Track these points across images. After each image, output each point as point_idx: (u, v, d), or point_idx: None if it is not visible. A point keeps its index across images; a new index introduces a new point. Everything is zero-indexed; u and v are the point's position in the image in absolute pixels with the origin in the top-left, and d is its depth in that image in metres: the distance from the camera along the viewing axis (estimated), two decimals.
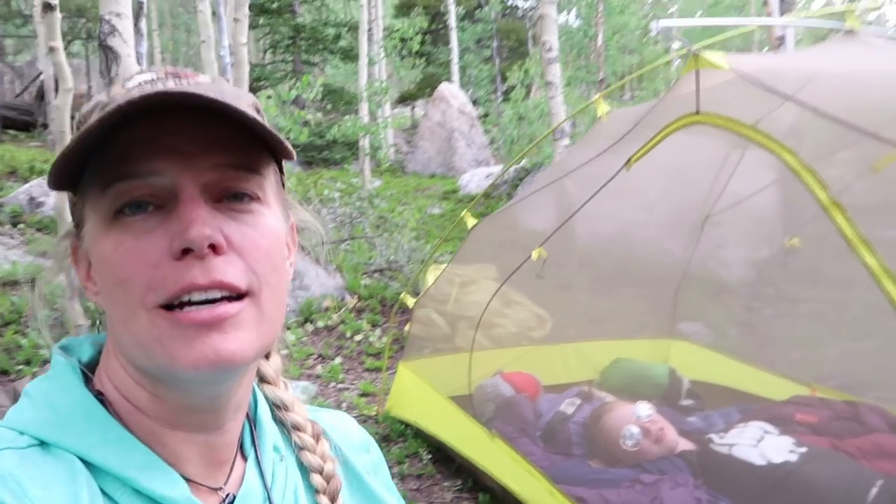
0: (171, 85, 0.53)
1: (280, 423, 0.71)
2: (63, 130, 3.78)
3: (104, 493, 0.53)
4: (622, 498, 2.18)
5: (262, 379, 0.70)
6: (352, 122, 9.49)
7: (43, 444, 0.53)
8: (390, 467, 3.18)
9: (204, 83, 0.55)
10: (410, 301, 3.82)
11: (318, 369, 4.60)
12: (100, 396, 0.57)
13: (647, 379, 3.68)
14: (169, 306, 0.51)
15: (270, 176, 0.58)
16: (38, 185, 7.09)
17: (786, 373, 3.49)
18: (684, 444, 2.57)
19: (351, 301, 5.69)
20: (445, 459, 3.26)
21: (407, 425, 3.53)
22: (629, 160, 2.29)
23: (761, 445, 2.33)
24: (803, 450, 2.32)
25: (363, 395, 4.23)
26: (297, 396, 0.75)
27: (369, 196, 7.78)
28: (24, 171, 8.42)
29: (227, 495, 0.61)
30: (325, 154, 13.70)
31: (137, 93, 0.50)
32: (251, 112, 0.54)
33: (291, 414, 0.71)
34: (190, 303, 0.51)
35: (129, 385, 0.57)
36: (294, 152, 0.57)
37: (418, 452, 3.33)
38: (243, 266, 0.53)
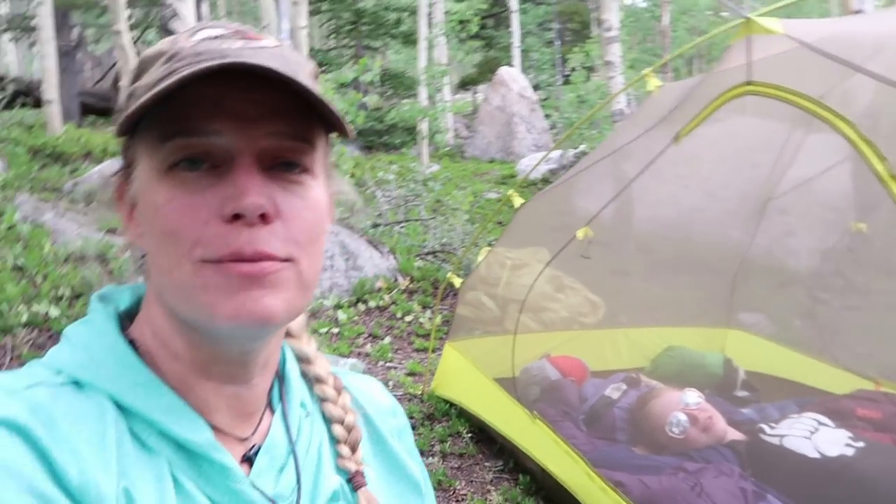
0: (238, 46, 0.54)
1: (305, 378, 0.73)
2: None
3: (133, 433, 0.55)
4: (662, 484, 2.11)
5: (288, 333, 0.72)
6: (410, 105, 9.51)
7: (77, 383, 0.55)
8: (433, 446, 3.22)
9: (268, 48, 0.56)
10: (457, 281, 3.80)
11: (368, 348, 4.65)
12: (133, 343, 0.60)
13: (700, 367, 3.57)
14: (214, 261, 0.53)
15: (320, 147, 0.59)
16: (110, 166, 7.40)
17: (850, 367, 3.32)
18: (733, 434, 2.48)
19: (403, 282, 5.72)
20: (487, 440, 3.25)
21: (451, 405, 3.53)
22: (678, 134, 2.19)
23: (815, 437, 2.21)
24: (861, 444, 2.20)
25: (410, 374, 4.25)
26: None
27: (424, 179, 7.79)
28: (99, 153, 8.79)
29: (253, 446, 0.62)
30: (384, 139, 13.80)
31: (204, 48, 0.54)
32: (310, 80, 0.55)
33: (314, 367, 0.73)
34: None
35: (167, 331, 0.59)
36: (351, 128, 0.58)
37: (461, 432, 3.33)
38: (286, 236, 0.55)
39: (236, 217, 0.52)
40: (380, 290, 5.55)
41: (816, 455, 2.13)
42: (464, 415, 3.43)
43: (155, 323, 0.60)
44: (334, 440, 0.70)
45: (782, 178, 3.74)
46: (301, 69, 0.56)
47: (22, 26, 14.68)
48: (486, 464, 3.09)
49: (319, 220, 0.59)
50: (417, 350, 4.69)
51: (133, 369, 0.57)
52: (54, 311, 4.40)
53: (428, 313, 5.24)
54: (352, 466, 0.69)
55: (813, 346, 3.62)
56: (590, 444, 2.61)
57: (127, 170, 0.59)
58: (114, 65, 15.97)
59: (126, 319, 0.63)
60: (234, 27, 0.58)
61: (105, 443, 0.52)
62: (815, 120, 3.31)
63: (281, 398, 0.67)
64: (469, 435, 3.29)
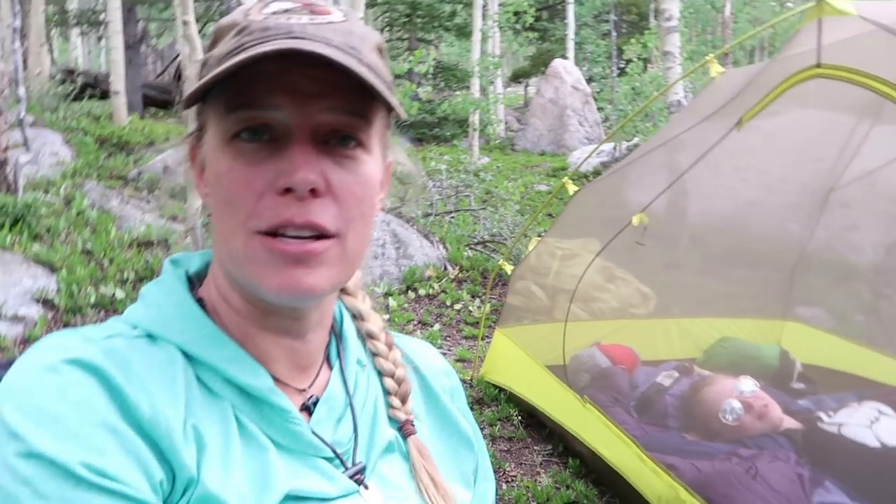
0: (305, 20, 0.57)
1: (359, 334, 0.76)
2: None
3: (200, 380, 0.60)
4: (716, 468, 2.10)
5: (343, 290, 0.76)
6: (463, 97, 9.53)
7: (150, 336, 0.61)
8: (482, 429, 3.26)
9: (336, 23, 0.58)
10: (508, 268, 3.82)
11: (417, 334, 4.71)
12: (201, 301, 0.65)
13: (755, 359, 3.50)
14: (265, 233, 0.57)
15: (378, 120, 0.61)
16: (172, 156, 7.66)
17: None
18: (789, 423, 2.44)
19: (453, 271, 5.77)
20: (537, 424, 3.27)
21: (500, 390, 3.56)
22: (741, 119, 2.16)
23: (875, 427, 2.16)
24: None
25: (459, 360, 4.30)
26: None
27: (475, 170, 7.81)
28: (161, 143, 9.09)
29: (311, 396, 0.67)
30: (435, 131, 13.87)
31: (272, 23, 0.56)
32: (373, 55, 0.59)
33: (367, 323, 0.76)
34: (285, 235, 0.57)
35: (226, 288, 0.64)
36: (403, 109, 0.60)
37: (510, 416, 3.36)
38: (336, 210, 0.58)
39: (288, 190, 0.56)
40: (429, 278, 5.61)
41: (877, 444, 2.08)
42: (513, 400, 3.45)
43: (218, 280, 0.65)
44: (386, 392, 0.73)
45: (845, 172, 3.63)
46: (365, 44, 0.58)
47: (91, 21, 15.27)
48: (536, 447, 3.11)
49: (370, 195, 0.61)
50: (466, 337, 4.73)
51: (199, 323, 0.62)
52: (120, 293, 4.60)
53: (477, 302, 5.28)
54: (402, 416, 0.72)
55: (875, 339, 3.52)
56: (640, 429, 2.60)
57: (199, 132, 0.63)
58: (175, 58, 16.44)
59: (196, 281, 0.68)
60: (304, 0, 0.60)
61: (175, 386, 0.57)
62: (881, 111, 3.26)
63: (339, 355, 0.71)
64: (518, 419, 3.32)
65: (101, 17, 13.50)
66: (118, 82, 8.87)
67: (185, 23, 3.80)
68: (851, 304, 3.97)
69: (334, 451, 0.64)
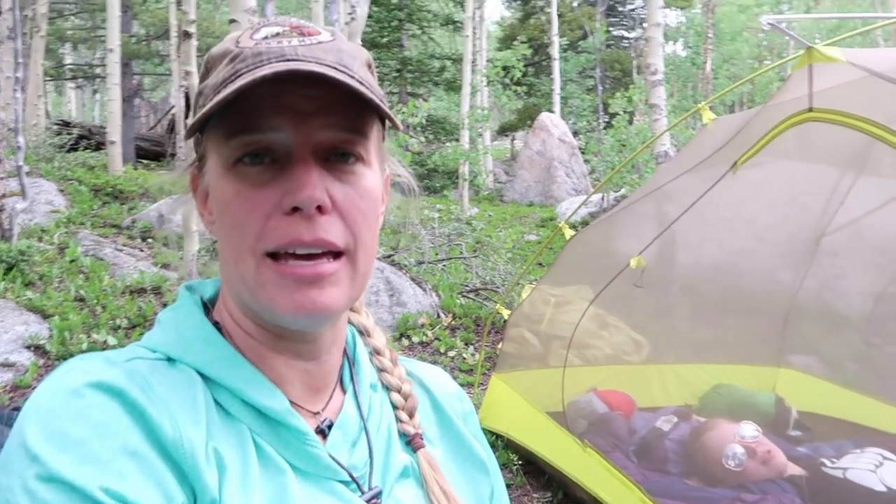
0: (295, 43, 0.59)
1: (371, 360, 0.77)
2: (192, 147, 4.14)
3: (217, 402, 0.61)
4: None
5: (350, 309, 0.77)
6: (453, 148, 9.70)
7: (170, 359, 0.62)
8: None
9: (325, 42, 0.60)
10: (506, 312, 3.84)
11: None
12: (217, 325, 0.66)
13: (751, 406, 3.50)
14: (275, 255, 0.58)
15: (374, 134, 0.63)
16: (167, 204, 7.69)
17: None
18: (793, 469, 2.44)
19: (445, 319, 5.76)
20: (535, 471, 3.24)
21: (498, 436, 3.53)
22: (735, 163, 2.23)
23: (880, 471, 2.17)
24: None
25: None
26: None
27: (467, 219, 7.89)
28: (155, 192, 9.14)
29: (325, 419, 0.67)
30: (425, 182, 14.05)
31: (264, 48, 0.58)
32: (363, 70, 0.61)
33: (372, 340, 0.77)
34: (295, 255, 0.58)
35: (238, 314, 0.65)
36: (399, 123, 0.63)
37: (509, 463, 3.32)
38: (343, 226, 0.59)
39: (295, 210, 0.57)
40: (423, 326, 5.61)
41: (883, 489, 2.09)
42: (511, 446, 3.42)
43: (229, 304, 0.66)
44: (394, 407, 0.74)
45: (831, 222, 3.72)
46: (355, 61, 0.60)
47: (87, 74, 15.49)
48: (535, 494, 3.07)
49: (374, 207, 0.63)
50: (461, 385, 4.68)
51: (216, 345, 0.63)
52: (112, 340, 4.56)
53: (471, 349, 5.27)
54: (410, 430, 0.72)
55: (868, 386, 3.54)
56: (642, 475, 2.59)
57: (200, 162, 0.65)
58: (169, 111, 16.64)
59: (210, 306, 0.68)
60: (293, 23, 0.61)
61: (196, 407, 0.57)
62: (865, 162, 3.37)
63: (352, 378, 0.71)
64: (518, 465, 3.28)
65: (98, 70, 13.72)
66: (114, 133, 8.97)
67: (188, 73, 3.89)
68: (843, 351, 4.00)
69: (351, 475, 0.64)
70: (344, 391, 0.71)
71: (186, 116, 4.15)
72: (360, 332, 0.77)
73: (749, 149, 2.17)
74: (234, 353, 0.63)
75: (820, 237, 3.81)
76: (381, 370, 0.76)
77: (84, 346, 4.36)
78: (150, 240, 7.05)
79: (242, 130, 0.58)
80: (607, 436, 2.95)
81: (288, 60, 0.56)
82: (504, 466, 3.32)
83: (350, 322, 0.76)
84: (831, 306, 4.07)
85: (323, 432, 0.66)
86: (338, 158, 0.60)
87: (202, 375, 0.61)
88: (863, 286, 3.97)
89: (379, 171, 0.66)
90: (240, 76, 0.56)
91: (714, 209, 3.14)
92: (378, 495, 0.65)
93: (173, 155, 13.27)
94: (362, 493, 0.64)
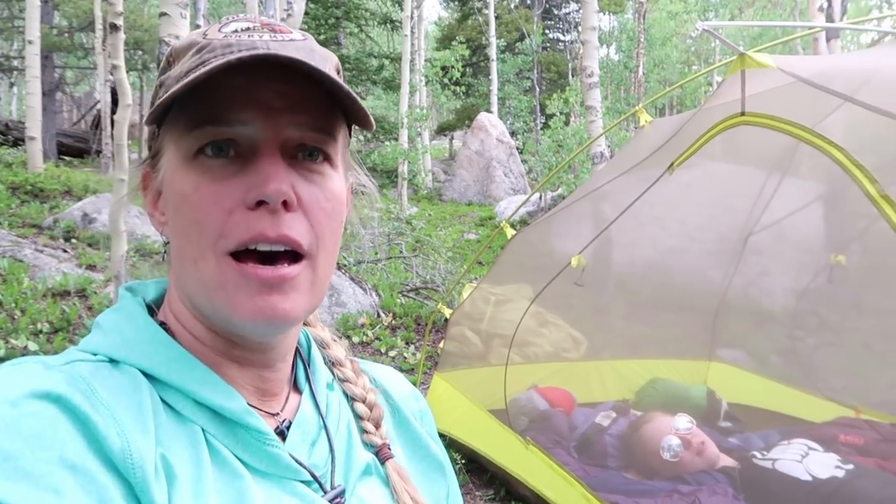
0: (266, 38, 0.56)
1: (327, 363, 0.74)
2: (121, 143, 3.95)
3: (167, 404, 0.57)
4: None
5: (304, 322, 0.74)
6: (392, 147, 9.66)
7: (112, 361, 0.57)
8: None
9: (297, 41, 0.58)
10: (447, 311, 3.84)
11: None
12: (164, 325, 0.62)
13: (684, 399, 3.62)
14: (236, 255, 0.55)
15: (341, 138, 0.61)
16: (91, 203, 7.36)
17: (830, 397, 3.41)
18: (725, 460, 2.52)
19: (386, 318, 5.73)
20: (478, 469, 3.24)
21: (441, 435, 3.52)
22: (671, 164, 2.29)
23: (806, 461, 2.27)
24: (850, 466, 2.25)
25: None
26: None
27: (407, 218, 7.87)
28: (79, 191, 8.75)
29: (284, 420, 0.64)
30: None
31: (234, 40, 0.55)
32: (333, 74, 0.58)
33: (331, 351, 0.75)
34: (257, 256, 0.55)
35: (189, 318, 0.61)
36: (373, 122, 0.61)
37: (452, 461, 3.31)
38: (307, 225, 0.57)
39: (259, 204, 0.54)
40: (363, 325, 5.56)
41: (808, 478, 2.18)
42: (454, 445, 3.42)
43: (177, 308, 0.62)
44: (359, 418, 0.72)
45: (758, 222, 3.88)
46: (326, 62, 0.58)
47: (3, 67, 14.67)
48: (478, 493, 3.08)
49: (338, 210, 0.61)
50: None
51: (165, 345, 0.59)
52: (33, 346, 4.32)
53: (412, 349, 5.25)
54: (377, 441, 0.70)
55: (792, 377, 3.71)
56: (582, 470, 2.63)
57: (153, 159, 0.61)
58: (93, 106, 15.96)
59: (154, 308, 0.65)
60: (263, 20, 0.59)
61: (143, 411, 0.53)
62: (790, 165, 3.53)
63: (308, 379, 0.69)
64: (460, 464, 3.28)
65: (16, 62, 13.02)
66: (34, 128, 8.52)
67: (115, 67, 3.71)
68: (769, 345, 4.18)
69: (312, 475, 0.62)
70: (299, 392, 0.69)
71: (113, 112, 3.96)
72: (319, 345, 0.75)
73: (684, 151, 2.23)
74: (184, 353, 0.59)
75: (747, 237, 3.97)
76: (343, 381, 0.73)
77: (1, 351, 4.12)
78: (73, 240, 6.73)
79: (208, 121, 0.55)
80: (548, 432, 2.99)
81: (261, 51, 0.53)
82: None
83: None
84: (757, 302, 4.25)
85: (282, 434, 0.63)
86: (305, 157, 0.58)
87: (149, 377, 0.57)
88: (786, 283, 4.16)
89: (344, 177, 0.64)
90: (207, 64, 0.53)
91: (648, 209, 3.22)
92: (341, 494, 0.63)
93: (98, 152, 12.71)
94: (325, 492, 0.62)
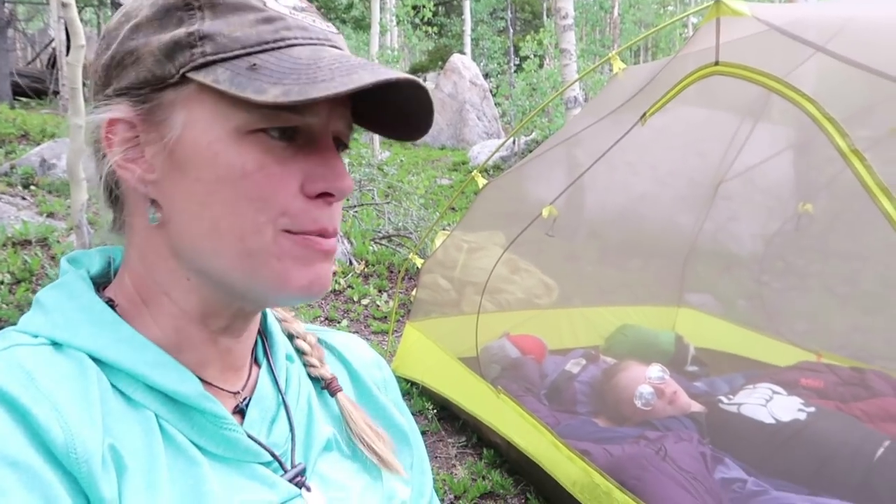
0: (323, 27, 0.58)
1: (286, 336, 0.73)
2: (75, 87, 3.76)
3: (116, 389, 0.54)
4: (626, 452, 2.19)
5: None
6: None
7: (55, 344, 0.53)
8: None
9: (341, 37, 0.60)
10: (419, 261, 3.82)
11: None
12: (110, 303, 0.58)
13: (653, 345, 3.68)
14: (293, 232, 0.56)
15: None
16: (50, 148, 7.10)
17: (793, 341, 3.49)
18: (695, 407, 2.58)
19: (358, 266, 5.70)
20: (450, 417, 3.29)
21: (413, 384, 3.55)
22: (644, 114, 2.25)
23: (770, 405, 2.33)
24: (812, 409, 2.32)
25: None
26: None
27: (379, 164, 7.75)
28: (37, 135, 8.42)
29: (244, 399, 0.63)
30: None
31: (308, 24, 0.56)
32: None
33: (289, 325, 0.74)
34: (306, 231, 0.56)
35: (168, 287, 0.58)
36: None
37: (424, 410, 3.35)
38: (338, 214, 0.59)
39: (321, 195, 0.56)
40: (335, 274, 5.52)
41: (772, 421, 2.24)
42: (426, 393, 3.45)
43: (143, 281, 0.58)
44: (301, 353, 0.72)
45: (731, 167, 3.88)
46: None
47: None
48: (450, 440, 3.12)
49: None
50: (375, 332, 4.68)
51: (112, 326, 0.55)
52: None
53: (384, 297, 5.24)
54: (326, 374, 0.71)
55: (758, 322, 3.79)
56: (552, 417, 2.67)
57: (149, 112, 0.55)
58: (48, 43, 15.25)
59: (100, 281, 0.61)
60: (307, 4, 0.59)
61: (89, 399, 0.50)
62: (763, 111, 3.51)
63: (265, 353, 0.68)
64: (433, 412, 3.32)
65: None
66: None
67: (65, 4, 3.50)
68: (736, 290, 4.27)
69: (273, 455, 0.60)
70: (259, 366, 0.67)
71: (68, 52, 3.77)
72: (278, 319, 0.73)
73: (657, 101, 2.19)
74: (133, 334, 0.56)
75: (719, 184, 3.98)
76: (301, 353, 0.72)
77: None
78: (32, 187, 6.51)
79: (283, 106, 0.52)
80: (520, 380, 3.02)
81: (333, 47, 0.56)
82: (419, 413, 3.36)
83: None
84: (726, 247, 4.31)
85: (242, 412, 0.61)
86: (339, 148, 0.59)
87: (95, 361, 0.53)
88: (754, 229, 4.22)
89: None
90: (291, 47, 0.54)
91: (620, 154, 3.19)
92: (302, 472, 0.62)
93: (56, 92, 12.19)
94: (285, 471, 0.60)
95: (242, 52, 0.52)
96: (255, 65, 0.52)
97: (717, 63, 1.88)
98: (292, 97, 0.50)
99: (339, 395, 0.70)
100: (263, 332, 0.69)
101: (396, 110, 0.59)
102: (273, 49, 0.53)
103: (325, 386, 0.70)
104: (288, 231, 0.55)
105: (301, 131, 0.56)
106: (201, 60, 0.52)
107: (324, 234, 0.57)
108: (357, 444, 0.68)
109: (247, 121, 0.53)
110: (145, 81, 0.54)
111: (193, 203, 0.55)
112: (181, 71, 0.53)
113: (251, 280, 0.56)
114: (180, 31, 0.53)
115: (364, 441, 0.68)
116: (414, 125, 0.61)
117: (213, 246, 0.55)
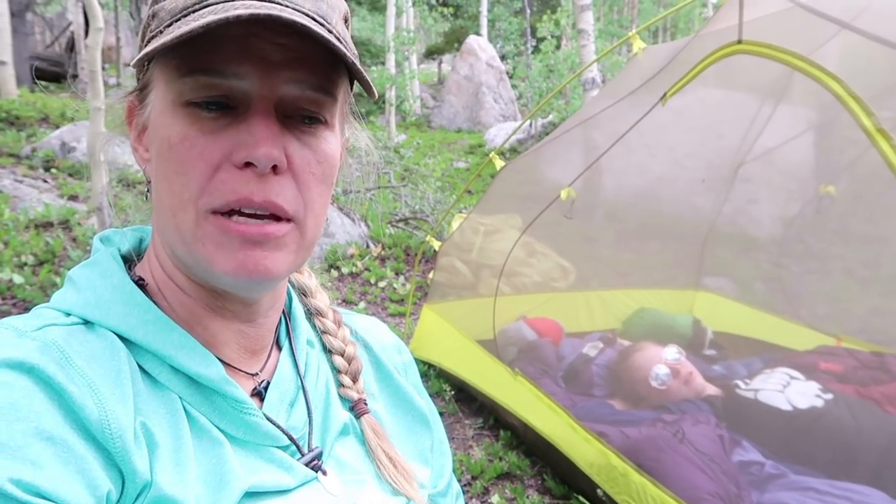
0: None
1: (306, 311, 0.73)
2: (94, 70, 3.79)
3: (143, 370, 0.55)
4: (643, 434, 2.19)
5: None
6: (379, 72, 9.40)
7: (87, 323, 0.55)
8: None
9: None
10: (436, 244, 3.83)
11: None
12: (140, 282, 0.59)
13: (670, 328, 3.67)
14: (219, 212, 0.53)
15: (341, 96, 0.58)
16: (70, 131, 7.16)
17: (812, 325, 3.47)
18: (711, 389, 2.58)
19: (375, 249, 5.72)
20: (467, 399, 3.31)
21: (430, 366, 3.58)
22: (665, 94, 2.23)
23: (787, 391, 2.32)
24: (829, 396, 2.31)
25: None
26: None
27: (395, 146, 7.74)
28: (56, 118, 8.50)
29: (263, 381, 0.63)
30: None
31: None
32: (340, 25, 0.55)
33: (314, 300, 0.74)
34: (240, 212, 0.52)
35: (171, 266, 0.59)
36: (375, 91, 0.57)
37: (441, 391, 3.38)
38: (295, 190, 0.54)
39: (247, 165, 0.52)
40: (352, 256, 5.55)
41: (789, 408, 2.23)
42: (443, 375, 3.47)
43: (161, 257, 0.60)
44: (336, 371, 0.71)
45: (751, 149, 3.83)
46: (334, 12, 0.55)
47: None
48: (467, 421, 3.15)
49: (330, 173, 0.58)
50: (392, 315, 4.71)
51: (141, 307, 0.56)
52: (18, 278, 4.29)
53: (401, 279, 5.26)
54: (354, 395, 0.70)
55: (776, 306, 3.76)
56: (569, 399, 2.68)
57: (141, 92, 0.58)
58: (67, 27, 15.33)
59: (130, 260, 0.62)
60: None
61: (121, 379, 0.52)
62: (785, 92, 3.45)
63: (288, 335, 0.68)
64: (450, 394, 3.35)
65: None
66: (5, 52, 8.19)
67: None
68: (754, 273, 4.23)
69: (290, 438, 0.61)
70: (280, 348, 0.68)
71: (86, 35, 3.79)
72: (302, 292, 0.73)
73: (678, 81, 2.16)
74: (161, 316, 0.57)
75: (739, 166, 3.93)
76: (323, 332, 0.72)
77: None
78: (53, 170, 6.58)
79: (201, 70, 0.51)
80: (536, 362, 3.04)
81: (261, 10, 0.49)
82: (437, 395, 3.38)
83: (290, 281, 0.72)
84: (745, 230, 4.27)
85: (260, 394, 0.62)
86: (301, 120, 0.55)
87: (124, 341, 0.55)
88: (774, 211, 4.17)
89: (340, 136, 0.60)
90: (205, 7, 0.51)
91: (638, 136, 3.17)
92: (318, 456, 0.63)
93: (75, 76, 12.28)
94: (302, 455, 0.62)
95: (170, 20, 0.53)
96: (170, 25, 0.53)
97: (740, 41, 1.86)
98: (164, 39, 0.49)
99: (365, 418, 0.69)
100: (288, 315, 0.70)
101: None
102: (193, 11, 0.52)
103: (353, 406, 0.69)
104: (215, 212, 0.52)
105: (233, 98, 0.52)
106: (149, 36, 0.54)
107: (247, 204, 0.52)
108: (378, 471, 0.68)
109: (178, 91, 0.52)
110: (139, 63, 0.57)
111: (153, 180, 0.57)
112: (141, 50, 0.54)
113: (191, 260, 0.55)
114: (148, 13, 0.57)
115: (384, 471, 0.67)
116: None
117: (162, 224, 0.57)
